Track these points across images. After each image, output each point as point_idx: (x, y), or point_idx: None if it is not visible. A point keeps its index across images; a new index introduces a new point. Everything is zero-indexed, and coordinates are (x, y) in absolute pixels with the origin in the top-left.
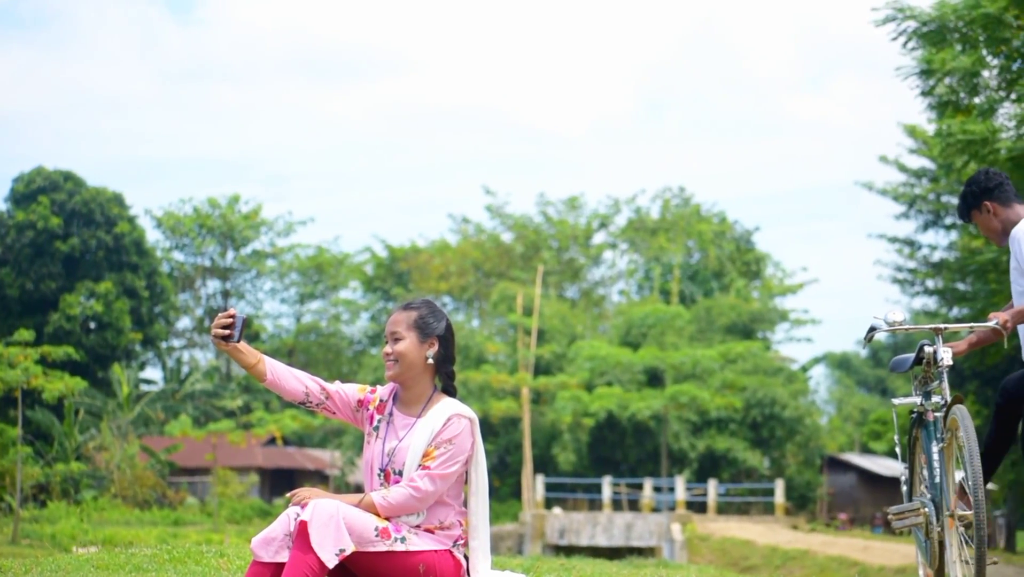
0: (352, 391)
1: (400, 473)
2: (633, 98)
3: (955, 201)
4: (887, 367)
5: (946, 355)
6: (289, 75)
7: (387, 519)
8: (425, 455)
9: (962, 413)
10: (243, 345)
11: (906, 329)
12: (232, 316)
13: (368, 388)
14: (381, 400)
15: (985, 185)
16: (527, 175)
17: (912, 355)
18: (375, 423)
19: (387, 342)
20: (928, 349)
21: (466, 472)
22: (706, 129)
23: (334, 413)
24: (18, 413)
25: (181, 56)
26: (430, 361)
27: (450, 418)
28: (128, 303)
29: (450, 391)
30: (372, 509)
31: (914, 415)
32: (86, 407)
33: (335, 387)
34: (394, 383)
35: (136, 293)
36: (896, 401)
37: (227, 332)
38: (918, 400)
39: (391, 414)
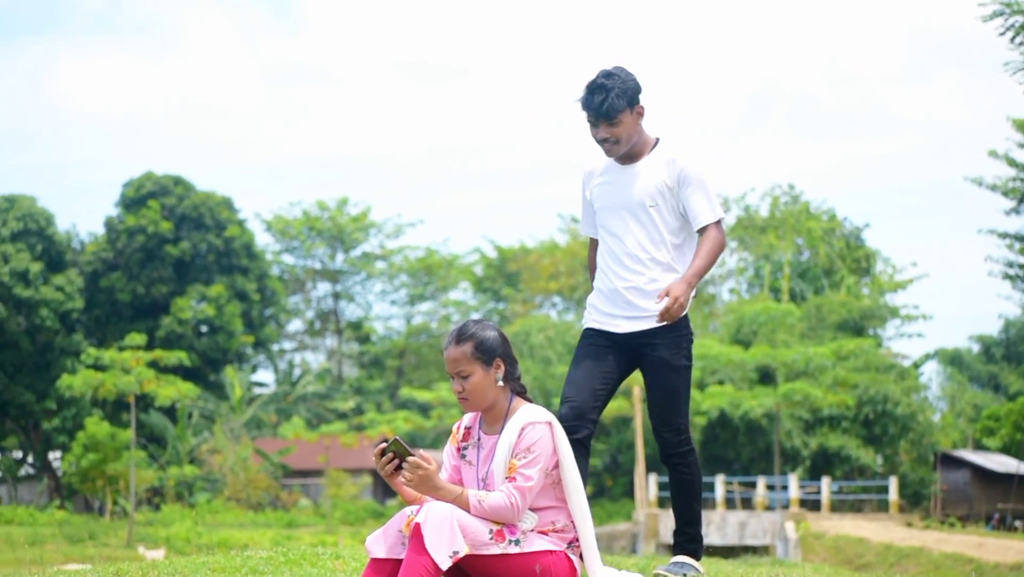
0: (453, 451)
1: None
2: (738, 94)
3: None
4: (999, 363)
5: None
6: (395, 77)
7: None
8: (508, 468)
9: None
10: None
11: None
12: (384, 444)
13: (455, 427)
14: (466, 428)
15: (638, 84)
16: None
17: None
18: (462, 452)
19: (453, 379)
20: None
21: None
22: (813, 125)
23: (461, 481)
24: (131, 417)
25: (284, 60)
26: (500, 384)
27: (524, 428)
28: (239, 306)
29: (524, 395)
30: (466, 507)
31: None
32: (199, 410)
33: (448, 467)
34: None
35: (247, 296)
36: None
37: (395, 461)
38: None
39: (479, 439)
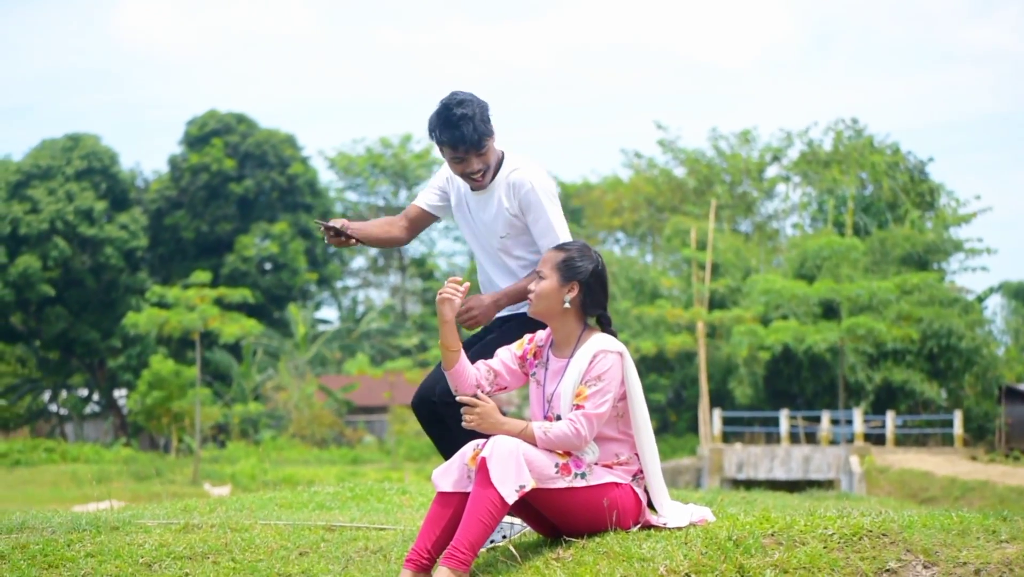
0: (512, 355)
1: (559, 418)
2: (802, 29)
3: None
4: None
5: None
6: (457, 12)
7: (567, 455)
8: (576, 394)
9: None
10: (451, 330)
11: None
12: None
13: (527, 339)
14: (539, 346)
15: (486, 103)
16: (699, 110)
17: None
18: (534, 369)
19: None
20: None
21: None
22: (876, 60)
23: (506, 388)
24: (196, 355)
25: None
26: (567, 305)
27: (596, 355)
28: (303, 243)
29: (607, 329)
30: (531, 441)
31: None
32: (263, 347)
33: (498, 363)
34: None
35: (310, 233)
36: None
37: (332, 234)
38: None
39: (547, 360)
